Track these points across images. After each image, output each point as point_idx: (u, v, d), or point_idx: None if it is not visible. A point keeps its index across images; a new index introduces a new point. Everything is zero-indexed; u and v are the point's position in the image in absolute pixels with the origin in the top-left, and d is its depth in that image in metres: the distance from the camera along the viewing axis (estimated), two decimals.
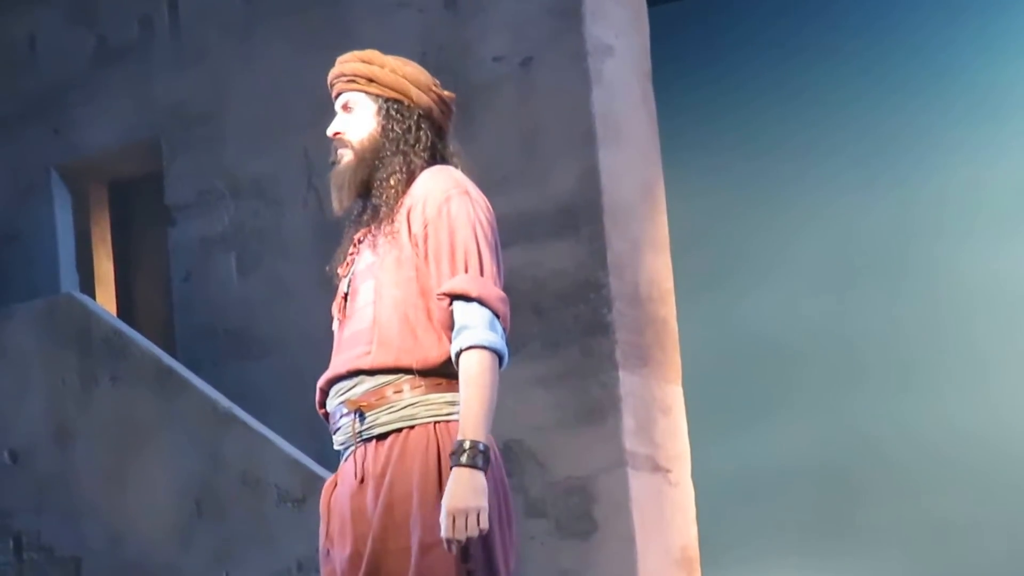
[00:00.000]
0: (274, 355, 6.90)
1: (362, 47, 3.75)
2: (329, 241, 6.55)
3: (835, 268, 7.22)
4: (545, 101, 6.48)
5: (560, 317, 6.33)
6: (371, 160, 3.60)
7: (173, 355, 6.84)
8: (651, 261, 6.46)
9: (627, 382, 6.25)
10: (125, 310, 7.68)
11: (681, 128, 7.04)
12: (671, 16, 7.18)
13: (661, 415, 6.37)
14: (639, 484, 6.22)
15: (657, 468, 6.32)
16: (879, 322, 7.11)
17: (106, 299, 7.62)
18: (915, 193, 7.14)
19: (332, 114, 7.29)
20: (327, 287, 6.49)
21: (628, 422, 6.23)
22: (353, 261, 3.64)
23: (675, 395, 6.45)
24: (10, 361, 6.77)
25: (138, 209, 7.81)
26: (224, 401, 6.46)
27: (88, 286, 7.56)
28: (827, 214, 7.25)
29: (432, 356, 3.46)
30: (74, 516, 6.59)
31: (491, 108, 6.51)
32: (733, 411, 7.18)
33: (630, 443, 6.22)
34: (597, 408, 6.26)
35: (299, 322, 6.79)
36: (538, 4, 6.53)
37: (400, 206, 3.54)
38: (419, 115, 3.62)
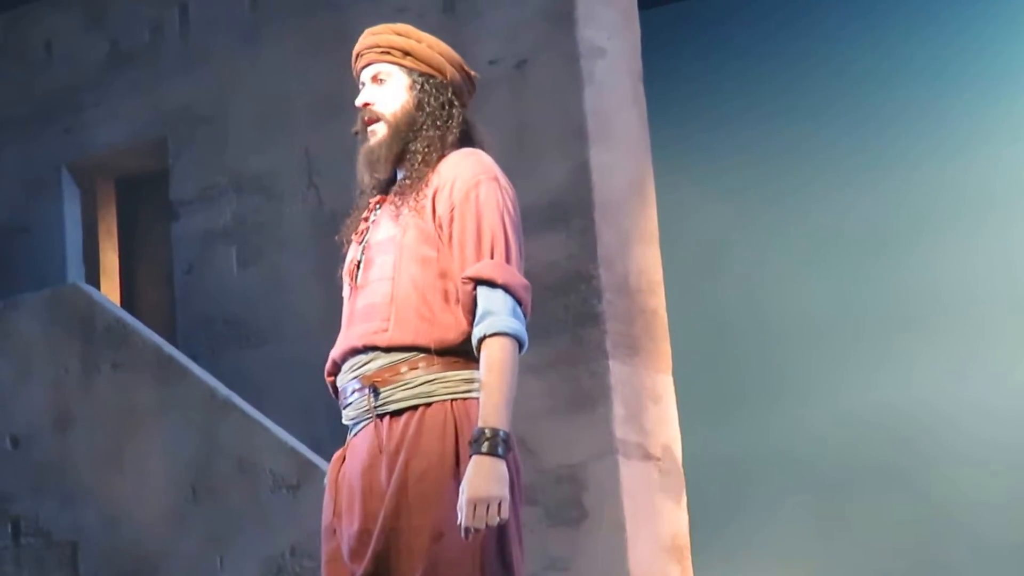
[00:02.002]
0: (271, 344, 6.98)
1: None
2: (327, 235, 6.64)
3: (821, 259, 7.28)
4: (539, 101, 6.58)
5: (551, 308, 6.37)
6: (406, 133, 3.54)
7: (174, 344, 6.90)
8: (641, 253, 6.55)
9: (617, 371, 6.30)
10: (128, 301, 7.79)
11: (670, 125, 7.12)
12: (661, 19, 7.29)
13: (651, 403, 6.42)
14: (629, 472, 6.26)
15: (647, 456, 6.37)
16: (866, 311, 7.16)
17: (110, 290, 7.74)
18: (901, 186, 7.21)
19: (333, 114, 7.40)
20: (324, 280, 6.56)
21: (618, 410, 6.28)
22: (367, 229, 3.58)
23: (665, 384, 6.50)
24: (15, 349, 6.83)
25: (143, 204, 7.94)
26: (222, 388, 6.50)
27: (94, 278, 7.68)
28: (813, 207, 7.32)
29: (450, 336, 3.41)
30: (72, 501, 6.60)
31: (487, 108, 6.58)
32: (722, 400, 7.23)
33: (620, 431, 6.27)
34: (588, 397, 6.31)
35: (296, 313, 6.89)
36: (532, 8, 6.65)
37: (427, 183, 3.49)
38: (452, 92, 3.58)
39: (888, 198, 7.22)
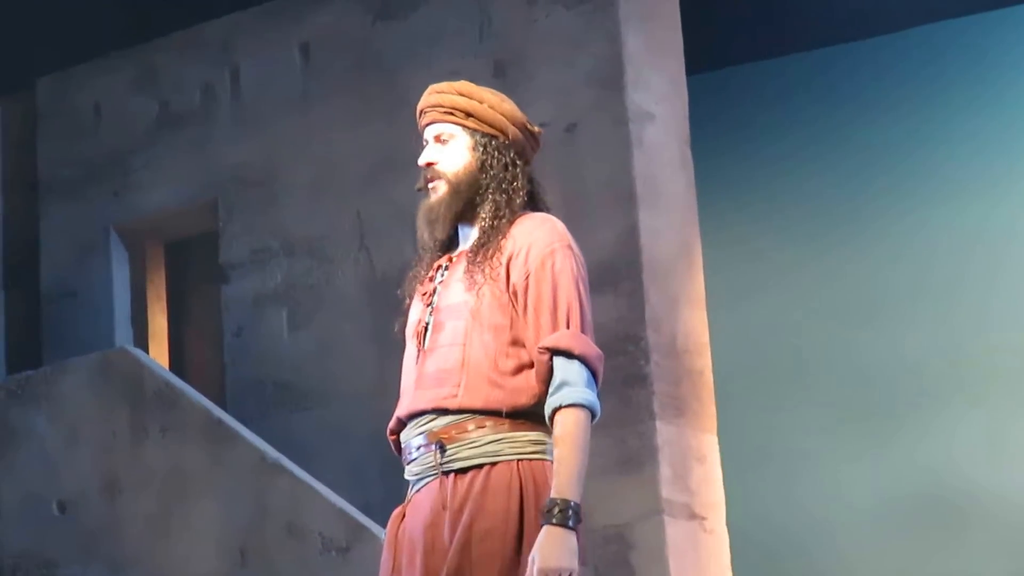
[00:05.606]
0: (321, 407, 7.00)
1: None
2: (379, 299, 6.63)
3: (867, 322, 7.29)
4: (589, 164, 6.63)
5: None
6: (467, 194, 3.56)
7: (223, 408, 6.92)
8: (688, 315, 6.59)
9: (664, 432, 6.34)
10: (178, 364, 7.81)
11: (717, 189, 7.19)
12: (708, 84, 7.33)
13: (696, 464, 6.45)
14: (675, 531, 6.29)
15: (693, 516, 6.40)
16: (915, 374, 7.17)
17: (159, 354, 7.76)
18: (945, 242, 7.24)
19: (385, 177, 7.43)
20: (376, 343, 6.56)
21: (664, 471, 6.31)
22: (435, 290, 3.59)
23: (710, 444, 6.53)
24: (63, 413, 6.84)
25: (193, 267, 7.96)
26: (272, 452, 6.50)
27: (142, 341, 7.70)
28: (859, 270, 7.35)
29: (521, 400, 3.44)
30: (120, 566, 6.60)
31: (537, 170, 6.63)
32: (767, 460, 7.25)
33: (666, 491, 6.30)
34: (635, 457, 6.33)
35: (347, 376, 6.91)
36: (582, 73, 6.71)
37: (500, 249, 3.50)
38: (515, 152, 3.59)
39: (938, 262, 7.25)
